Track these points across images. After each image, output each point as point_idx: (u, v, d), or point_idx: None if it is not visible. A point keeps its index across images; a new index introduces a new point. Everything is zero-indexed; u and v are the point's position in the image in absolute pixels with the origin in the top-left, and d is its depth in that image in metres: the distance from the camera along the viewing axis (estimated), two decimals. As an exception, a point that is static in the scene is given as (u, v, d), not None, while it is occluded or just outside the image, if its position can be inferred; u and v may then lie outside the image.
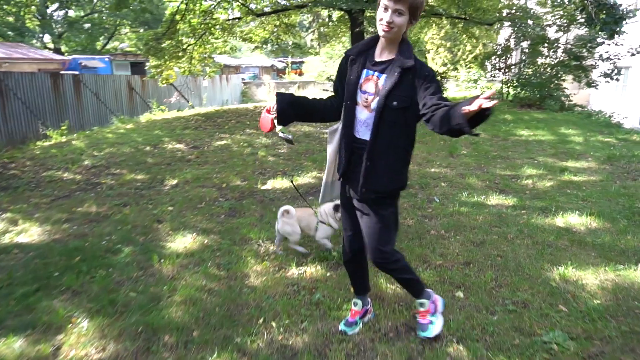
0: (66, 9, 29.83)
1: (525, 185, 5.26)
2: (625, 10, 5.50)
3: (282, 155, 7.05)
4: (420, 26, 17.18)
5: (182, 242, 3.80)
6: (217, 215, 4.43)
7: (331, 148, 2.31)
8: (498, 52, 16.07)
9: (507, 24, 14.32)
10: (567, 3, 12.73)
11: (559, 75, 13.17)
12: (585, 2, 5.85)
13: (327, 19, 18.20)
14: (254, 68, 35.89)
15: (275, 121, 2.19)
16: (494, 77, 16.40)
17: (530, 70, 14.21)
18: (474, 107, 1.62)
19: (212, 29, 13.38)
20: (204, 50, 14.03)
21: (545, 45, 13.53)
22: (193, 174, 5.93)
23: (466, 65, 25.88)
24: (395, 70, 2.00)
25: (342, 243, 2.47)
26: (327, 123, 2.53)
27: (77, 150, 7.91)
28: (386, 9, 1.93)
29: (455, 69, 25.04)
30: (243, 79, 29.63)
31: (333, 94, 2.32)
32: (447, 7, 13.95)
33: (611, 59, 12.61)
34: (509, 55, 15.82)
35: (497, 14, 14.24)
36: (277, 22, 15.50)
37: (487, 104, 1.60)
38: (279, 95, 2.20)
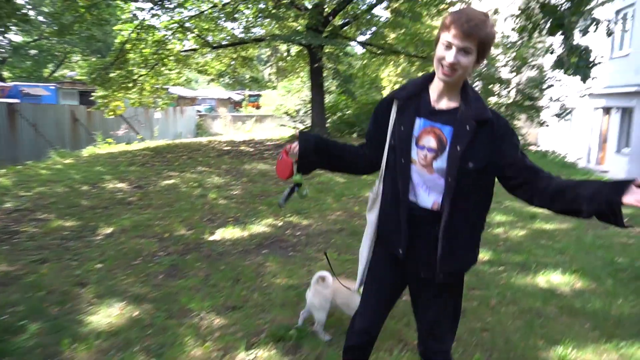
0: (4, 33, 28.20)
1: (498, 234, 4.93)
2: (596, 56, 5.52)
3: (234, 197, 6.45)
4: (378, 63, 17.33)
5: (107, 314, 3.11)
6: (154, 276, 3.75)
7: (372, 216, 1.83)
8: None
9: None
10: (517, 46, 13.14)
11: (514, 114, 13.46)
12: (552, 46, 5.88)
13: (285, 54, 18.03)
14: (210, 100, 35.27)
15: (295, 167, 1.81)
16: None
17: (485, 109, 14.46)
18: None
19: (165, 59, 12.78)
20: (156, 82, 13.38)
21: (499, 85, 13.87)
22: (132, 221, 5.21)
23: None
24: (468, 123, 1.58)
25: (352, 323, 1.96)
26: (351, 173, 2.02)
27: (0, 189, 6.97)
28: (449, 46, 1.52)
29: (412, 105, 25.50)
30: (198, 111, 28.92)
31: (366, 142, 1.89)
32: (405, 45, 14.10)
33: (560, 100, 13.04)
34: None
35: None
36: (234, 55, 15.12)
37: None
38: (302, 135, 1.82)
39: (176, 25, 12.11)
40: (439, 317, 1.75)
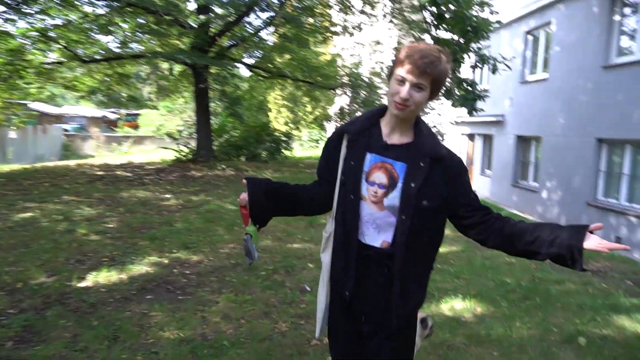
0: None
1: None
2: (482, 89, 5.96)
3: (109, 232, 5.62)
4: (266, 87, 17.25)
5: None
6: (0, 344, 2.94)
7: (326, 257, 1.68)
8: (334, 116, 16.94)
9: (346, 89, 15.19)
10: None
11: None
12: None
13: (167, 72, 17.03)
14: (80, 118, 31.93)
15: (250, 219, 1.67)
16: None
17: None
18: (600, 248, 1.40)
19: (22, 71, 11.13)
20: (10, 96, 11.58)
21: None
22: (-29, 268, 4.17)
23: (307, 126, 27.08)
24: (422, 160, 1.53)
25: None
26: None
27: None
28: (403, 81, 1.48)
29: (297, 128, 25.91)
30: (65, 130, 25.88)
31: (317, 179, 1.77)
32: (292, 70, 14.20)
33: (435, 127, 14.17)
34: (349, 119, 16.74)
35: (339, 80, 15.03)
36: (109, 71, 13.81)
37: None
38: (250, 182, 1.69)
39: (37, 33, 10.63)
40: None
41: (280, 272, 4.42)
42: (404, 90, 1.47)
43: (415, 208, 1.50)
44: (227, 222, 6.32)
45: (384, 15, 12.66)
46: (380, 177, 1.55)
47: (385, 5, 12.50)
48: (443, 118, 14.01)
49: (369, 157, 1.58)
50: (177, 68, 15.03)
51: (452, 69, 5.63)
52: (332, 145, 1.69)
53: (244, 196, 1.69)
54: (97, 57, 12.82)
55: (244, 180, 1.71)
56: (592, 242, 1.41)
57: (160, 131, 26.06)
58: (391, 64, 1.58)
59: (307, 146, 26.60)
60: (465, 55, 5.43)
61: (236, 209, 7.20)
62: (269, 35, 15.03)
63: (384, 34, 16.63)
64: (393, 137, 1.59)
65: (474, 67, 5.39)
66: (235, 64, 14.01)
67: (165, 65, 16.77)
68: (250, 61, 14.69)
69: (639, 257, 6.92)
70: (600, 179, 8.92)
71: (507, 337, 3.16)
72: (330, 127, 23.23)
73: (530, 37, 11.75)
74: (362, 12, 13.10)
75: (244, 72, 18.57)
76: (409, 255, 1.52)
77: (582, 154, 9.26)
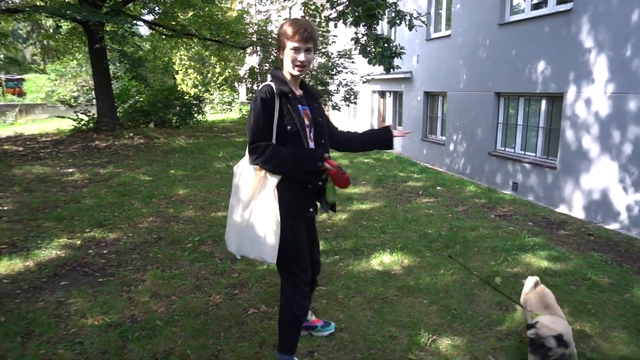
0: None
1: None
2: (398, 45, 5.98)
3: (5, 215, 5.01)
4: (170, 46, 16.09)
5: None
6: None
7: (260, 189, 2.14)
8: (246, 76, 16.39)
9: (257, 48, 14.67)
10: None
11: (309, 99, 14.19)
12: (358, 34, 6.19)
13: (52, 30, 15.14)
14: (-53, 86, 27.57)
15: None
16: (250, 99, 16.59)
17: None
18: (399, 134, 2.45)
19: None
20: None
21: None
22: None
23: (219, 87, 25.99)
24: (316, 102, 2.29)
25: (300, 270, 2.23)
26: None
27: None
28: (297, 50, 2.04)
29: (207, 90, 24.78)
30: None
31: (265, 135, 2.10)
32: (198, 27, 13.35)
33: (348, 85, 14.31)
34: (260, 79, 16.30)
35: (248, 38, 14.45)
36: (-20, 29, 11.95)
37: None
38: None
39: None
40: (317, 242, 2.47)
41: (208, 243, 4.27)
42: (301, 55, 2.05)
43: (326, 133, 2.25)
44: (142, 194, 5.94)
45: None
46: (306, 120, 2.17)
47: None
48: (355, 76, 14.15)
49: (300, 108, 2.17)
50: (66, 25, 13.39)
51: (368, 25, 5.62)
52: (269, 106, 2.06)
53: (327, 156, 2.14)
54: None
55: (326, 156, 2.14)
56: (395, 132, 2.41)
57: (51, 98, 23.43)
58: (279, 39, 2.08)
59: (219, 109, 25.60)
60: (381, 12, 5.47)
61: (151, 179, 6.79)
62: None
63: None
64: (297, 91, 2.21)
65: (390, 23, 5.41)
66: (134, 21, 12.81)
67: (50, 23, 14.90)
68: (150, 17, 13.54)
69: (534, 200, 7.71)
70: (499, 130, 9.67)
71: (434, 285, 3.37)
72: (242, 89, 22.52)
73: (434, -5, 12.09)
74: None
75: (144, 30, 17.12)
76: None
77: (483, 107, 9.91)
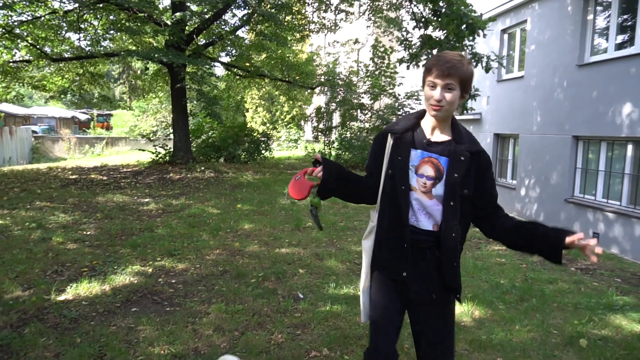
0: None
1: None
2: (472, 87, 5.91)
3: (87, 239, 5.37)
4: (243, 86, 16.98)
5: None
6: (-26, 366, 2.72)
7: (368, 243, 1.93)
8: (312, 115, 16.80)
9: (325, 88, 15.08)
10: (375, 75, 14.03)
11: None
12: None
13: (140, 71, 16.56)
14: (49, 119, 30.82)
15: (315, 190, 1.86)
16: (317, 138, 16.96)
17: (348, 133, 15.10)
18: (581, 244, 1.64)
19: (-15, 71, 10.63)
20: (-27, 98, 11.03)
21: (359, 110, 14.63)
22: (-62, 283, 3.89)
23: (286, 125, 26.88)
24: (462, 154, 1.78)
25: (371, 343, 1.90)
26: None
27: None
28: (434, 86, 1.74)
29: (275, 128, 25.70)
30: (34, 131, 24.93)
31: (367, 174, 1.99)
32: (270, 69, 14.01)
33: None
34: (326, 118, 16.66)
35: (317, 79, 14.92)
36: (81, 70, 13.32)
37: (593, 255, 1.61)
38: (326, 161, 1.87)
39: (1, 30, 10.14)
40: (443, 335, 1.84)
41: (271, 279, 4.28)
42: (437, 93, 1.72)
43: (460, 195, 1.75)
44: (210, 227, 6.14)
45: (362, 13, 12.61)
46: (427, 170, 1.79)
47: (362, 3, 12.45)
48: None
49: (416, 153, 1.81)
50: (152, 67, 14.62)
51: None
52: (378, 144, 1.91)
53: (317, 170, 1.82)
54: (67, 55, 12.35)
55: (318, 155, 1.86)
56: (570, 238, 1.66)
57: (134, 132, 25.40)
58: (422, 75, 1.82)
59: (285, 146, 26.38)
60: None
61: (219, 212, 7.02)
62: (245, 33, 14.81)
63: (362, 32, 16.61)
64: (434, 134, 1.83)
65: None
66: (212, 62, 13.72)
67: (138, 65, 16.31)
68: (227, 59, 14.44)
69: (619, 253, 7.06)
70: (577, 175, 9.08)
71: (509, 341, 3.11)
72: (308, 127, 23.12)
73: (505, 36, 11.90)
74: (339, 10, 13.02)
75: (220, 71, 18.26)
76: (455, 236, 1.76)
77: (558, 150, 9.41)
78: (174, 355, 2.86)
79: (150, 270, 4.42)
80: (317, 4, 13.28)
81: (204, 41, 12.80)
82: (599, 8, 8.62)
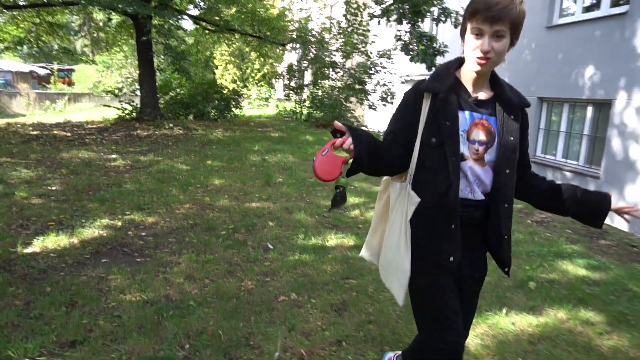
0: None
1: (355, 217, 5.00)
2: (442, 44, 5.93)
3: (53, 194, 5.27)
4: (212, 41, 16.45)
5: None
6: (-58, 314, 2.72)
7: (408, 222, 1.60)
8: (283, 73, 16.54)
9: (297, 45, 14.80)
10: (349, 32, 13.83)
11: (346, 97, 14.20)
12: (401, 32, 6.19)
13: (103, 23, 15.76)
14: (4, 73, 29.17)
15: (345, 168, 1.47)
16: (288, 96, 16.77)
17: (320, 91, 14.98)
18: (626, 209, 1.62)
19: None
20: None
21: (332, 69, 14.48)
22: None
23: (256, 83, 26.37)
24: (512, 112, 1.58)
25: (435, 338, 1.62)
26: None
27: None
28: (480, 34, 1.44)
29: (245, 86, 25.18)
30: (-12, 86, 23.62)
31: (390, 140, 1.63)
32: (241, 23, 13.60)
33: (386, 85, 14.23)
34: (297, 76, 16.42)
35: (290, 35, 14.59)
36: (37, 20, 12.57)
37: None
38: (353, 131, 1.46)
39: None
40: (470, 309, 1.74)
41: (241, 232, 4.36)
42: (485, 42, 1.43)
43: (515, 160, 1.58)
44: (180, 182, 6.11)
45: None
46: (479, 134, 1.56)
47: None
48: (393, 77, 14.05)
49: (464, 115, 1.55)
50: (115, 18, 13.92)
51: (413, 22, 5.56)
52: (409, 106, 1.61)
53: (348, 142, 1.44)
54: (22, 2, 11.60)
55: (338, 124, 1.46)
56: (616, 206, 1.62)
57: (98, 88, 24.41)
58: (461, 20, 1.56)
59: (255, 105, 25.97)
60: (427, 9, 5.43)
61: (189, 168, 6.97)
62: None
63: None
64: (479, 92, 1.59)
65: (436, 20, 5.37)
66: (180, 15, 13.18)
67: (100, 16, 15.51)
68: (196, 12, 13.90)
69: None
70: (540, 136, 9.40)
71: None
72: (279, 86, 22.75)
73: (479, -4, 11.87)
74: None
75: (189, 24, 17.58)
76: (507, 207, 1.59)
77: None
78: (145, 301, 2.93)
79: (119, 223, 4.42)
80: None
81: (170, -8, 12.23)
82: (569, -30, 8.68)
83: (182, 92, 14.43)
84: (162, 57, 13.17)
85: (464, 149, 1.54)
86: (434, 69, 6.38)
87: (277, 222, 4.69)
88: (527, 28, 8.00)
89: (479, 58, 1.46)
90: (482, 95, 1.59)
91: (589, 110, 7.83)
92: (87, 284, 3.13)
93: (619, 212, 1.64)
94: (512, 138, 1.56)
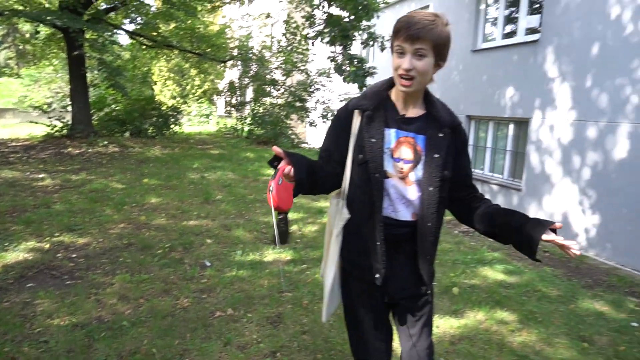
0: None
1: (293, 232, 5.10)
2: (370, 67, 6.25)
3: (-27, 217, 4.95)
4: (150, 56, 16.12)
5: None
6: None
7: (337, 237, 1.62)
8: (225, 90, 16.52)
9: (238, 63, 14.87)
10: (289, 51, 14.11)
11: (287, 114, 14.39)
12: (334, 53, 6.45)
13: (30, 35, 14.97)
14: None
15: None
16: (229, 113, 16.70)
17: (261, 108, 15.08)
18: (558, 241, 1.42)
19: None
20: None
21: (273, 87, 14.66)
22: None
23: (197, 100, 26.00)
24: (441, 131, 1.55)
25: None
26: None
27: None
28: (402, 52, 1.46)
29: (185, 102, 24.77)
30: None
31: (324, 158, 1.66)
32: (179, 39, 13.47)
33: (326, 103, 14.60)
34: (238, 93, 16.44)
35: (230, 52, 14.64)
36: (-46, 31, 11.76)
37: (574, 251, 1.42)
38: (290, 155, 1.47)
39: None
40: (426, 334, 1.67)
41: (178, 250, 4.33)
42: (406, 60, 1.45)
43: (440, 179, 1.53)
44: (114, 201, 5.93)
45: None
46: (405, 152, 1.54)
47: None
48: (332, 94, 14.45)
49: (390, 133, 1.55)
50: (44, 31, 13.29)
51: (344, 45, 5.83)
52: (340, 123, 1.62)
53: (288, 168, 1.43)
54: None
55: (277, 149, 1.45)
56: (548, 236, 1.44)
57: (23, 103, 22.95)
58: (390, 39, 1.55)
59: (196, 121, 25.56)
60: (356, 33, 5.74)
61: (124, 186, 6.79)
62: (152, 0, 13.99)
63: (275, 7, 16.48)
64: (408, 109, 1.58)
65: (364, 44, 5.70)
66: (115, 30, 12.84)
67: (26, 27, 14.75)
68: (132, 27, 13.57)
69: (498, 219, 8.04)
70: (470, 151, 10.06)
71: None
72: (221, 102, 22.61)
73: (411, 20, 12.56)
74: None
75: (125, 39, 17.12)
76: (431, 226, 1.54)
77: (454, 129, 10.31)
78: (75, 324, 2.86)
79: (47, 246, 4.24)
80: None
81: (105, 5, 11.92)
82: (490, -1, 9.46)
83: (117, 108, 13.96)
84: (96, 72, 12.69)
85: (388, 166, 1.53)
86: (365, 89, 6.73)
87: (215, 239, 4.69)
88: (455, 51, 8.61)
89: (401, 77, 1.48)
90: (412, 113, 1.58)
91: (511, 127, 8.49)
92: (9, 310, 2.99)
93: (557, 245, 1.47)
94: (437, 156, 1.53)
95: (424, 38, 1.42)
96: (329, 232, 1.72)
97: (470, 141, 9.96)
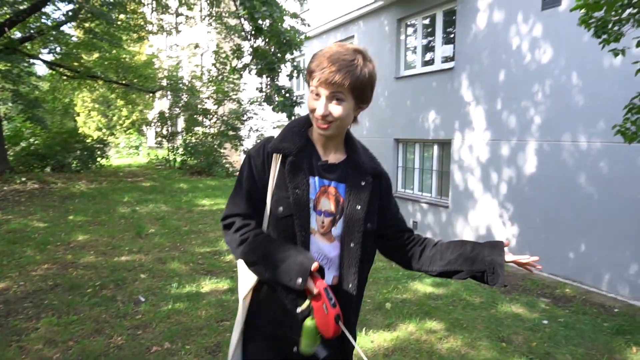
0: None
1: (230, 261, 5.08)
2: (298, 97, 6.46)
3: None
4: (72, 87, 15.45)
5: None
6: None
7: (244, 301, 1.39)
8: (155, 120, 16.21)
9: (167, 93, 14.67)
10: (219, 81, 14.16)
11: (220, 143, 14.33)
12: (262, 85, 6.61)
13: None
14: None
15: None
16: (160, 144, 16.30)
17: (193, 138, 14.89)
18: (522, 261, 1.35)
19: None
20: None
21: (205, 116, 14.58)
22: None
23: (125, 131, 25.09)
24: (362, 179, 1.37)
25: None
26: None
27: None
28: (317, 96, 1.27)
29: (112, 134, 23.85)
30: None
31: (245, 212, 1.36)
32: (104, 70, 13.09)
33: (259, 130, 14.72)
34: (169, 123, 16.15)
35: (159, 83, 14.42)
36: None
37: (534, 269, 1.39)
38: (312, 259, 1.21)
39: None
40: None
41: (109, 287, 4.16)
42: (320, 105, 1.26)
43: (363, 233, 1.34)
44: (36, 241, 5.59)
45: (202, 18, 12.61)
46: (326, 204, 1.34)
47: (203, 9, 12.46)
48: (265, 123, 14.63)
49: (313, 182, 1.33)
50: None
51: (271, 77, 6.02)
52: (259, 169, 1.35)
53: (321, 285, 1.19)
54: None
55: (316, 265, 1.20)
56: (510, 256, 1.35)
57: None
58: (306, 77, 1.38)
59: (125, 153, 24.59)
60: (282, 66, 5.99)
61: (47, 225, 6.42)
62: (73, 30, 13.51)
63: (203, 37, 16.51)
64: (329, 154, 1.38)
65: (289, 76, 5.94)
66: (31, 60, 12.22)
67: None
68: (51, 57, 12.99)
69: (430, 235, 8.46)
70: (399, 173, 10.55)
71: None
72: (151, 133, 21.99)
73: (338, 49, 13.12)
74: (179, 13, 12.80)
75: (43, 69, 16.29)
76: (352, 287, 1.33)
77: (384, 152, 10.79)
78: (-5, 375, 2.67)
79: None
80: (154, 5, 12.82)
81: (19, 35, 11.34)
82: (409, 30, 10.17)
83: (36, 142, 13.16)
84: (11, 104, 11.96)
85: (312, 221, 1.31)
86: (293, 117, 6.94)
87: (149, 274, 4.57)
88: (381, 78, 9.11)
89: (317, 121, 1.29)
90: (333, 158, 1.38)
91: (435, 148, 9.06)
92: None
93: (519, 264, 1.38)
94: (359, 207, 1.33)
95: (340, 82, 1.22)
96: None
97: (400, 163, 10.48)
